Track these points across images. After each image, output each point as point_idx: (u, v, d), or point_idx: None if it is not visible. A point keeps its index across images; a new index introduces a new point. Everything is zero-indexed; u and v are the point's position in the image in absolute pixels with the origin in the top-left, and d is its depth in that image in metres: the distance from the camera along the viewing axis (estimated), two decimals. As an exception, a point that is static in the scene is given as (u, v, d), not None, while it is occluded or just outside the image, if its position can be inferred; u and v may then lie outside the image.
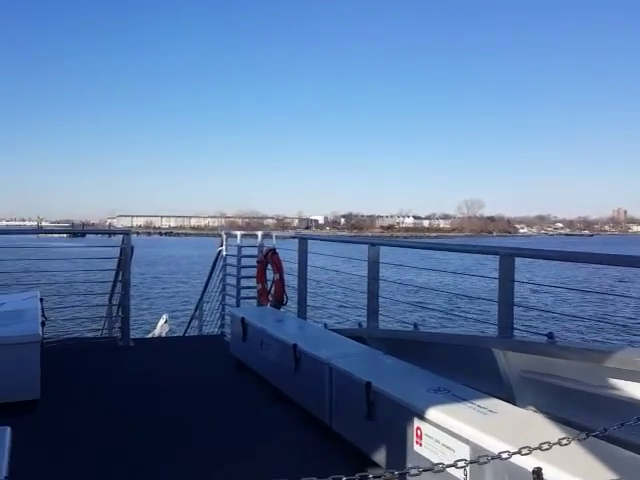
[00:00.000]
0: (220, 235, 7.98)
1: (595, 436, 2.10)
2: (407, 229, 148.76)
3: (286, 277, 6.40)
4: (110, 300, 7.29)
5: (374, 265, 4.64)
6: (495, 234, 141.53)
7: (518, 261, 3.41)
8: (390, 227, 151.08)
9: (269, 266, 6.66)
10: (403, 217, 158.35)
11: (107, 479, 3.04)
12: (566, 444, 1.98)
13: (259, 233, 7.34)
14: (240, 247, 7.32)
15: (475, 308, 12.22)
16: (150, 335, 10.51)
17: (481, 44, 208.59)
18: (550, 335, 2.97)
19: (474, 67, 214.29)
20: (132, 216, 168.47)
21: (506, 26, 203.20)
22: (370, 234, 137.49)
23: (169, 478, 3.11)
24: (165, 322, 10.91)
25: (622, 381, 2.64)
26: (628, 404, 2.58)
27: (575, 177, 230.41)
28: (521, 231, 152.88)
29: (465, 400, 2.82)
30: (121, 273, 6.57)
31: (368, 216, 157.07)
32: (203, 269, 8.39)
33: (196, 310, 8.44)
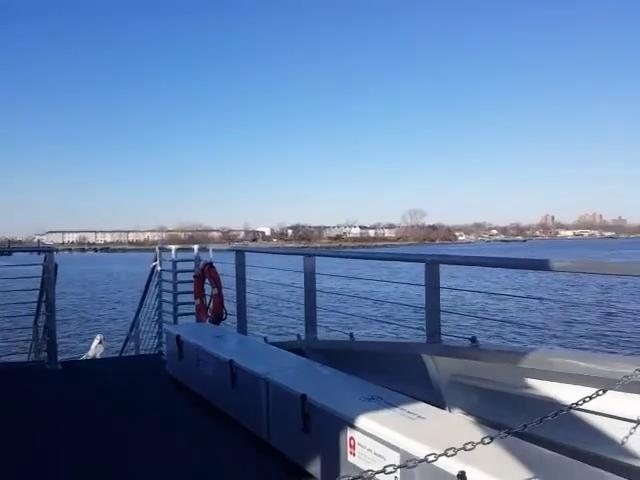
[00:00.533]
0: (154, 250, 7.84)
1: (515, 434, 2.24)
2: (355, 239, 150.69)
3: (225, 291, 6.38)
4: (36, 322, 7.00)
5: (310, 276, 4.71)
6: (438, 242, 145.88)
7: (454, 268, 3.60)
8: (338, 237, 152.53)
9: (207, 280, 6.62)
10: (349, 227, 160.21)
11: None
12: (488, 443, 2.10)
13: (195, 247, 7.26)
14: (175, 262, 7.21)
15: (409, 315, 12.58)
16: (84, 356, 10.14)
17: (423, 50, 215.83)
18: (473, 339, 3.13)
19: (414, 74, 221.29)
20: (63, 232, 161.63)
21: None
22: (319, 245, 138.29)
23: None
24: (99, 343, 10.54)
25: (538, 381, 2.83)
26: (545, 402, 2.77)
27: (507, 185, 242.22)
28: (460, 238, 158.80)
29: (396, 407, 2.92)
30: (45, 293, 6.32)
31: (315, 227, 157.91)
32: (143, 286, 8.19)
33: (132, 329, 8.21)
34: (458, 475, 2.21)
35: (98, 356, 9.94)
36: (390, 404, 2.97)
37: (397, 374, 3.60)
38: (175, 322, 7.17)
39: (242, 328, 5.89)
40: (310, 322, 4.72)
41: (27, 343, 7.57)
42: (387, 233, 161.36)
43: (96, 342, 10.56)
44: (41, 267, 6.36)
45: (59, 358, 6.42)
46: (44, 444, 3.87)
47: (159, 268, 7.61)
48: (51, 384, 5.51)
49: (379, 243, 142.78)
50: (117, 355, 8.58)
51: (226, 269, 6.41)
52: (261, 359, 4.13)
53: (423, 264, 3.56)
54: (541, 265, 3.09)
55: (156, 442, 3.84)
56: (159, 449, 3.73)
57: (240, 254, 5.93)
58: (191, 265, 7.18)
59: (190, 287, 6.95)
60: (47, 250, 6.45)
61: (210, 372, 4.42)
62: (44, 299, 6.37)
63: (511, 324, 14.22)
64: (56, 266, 6.30)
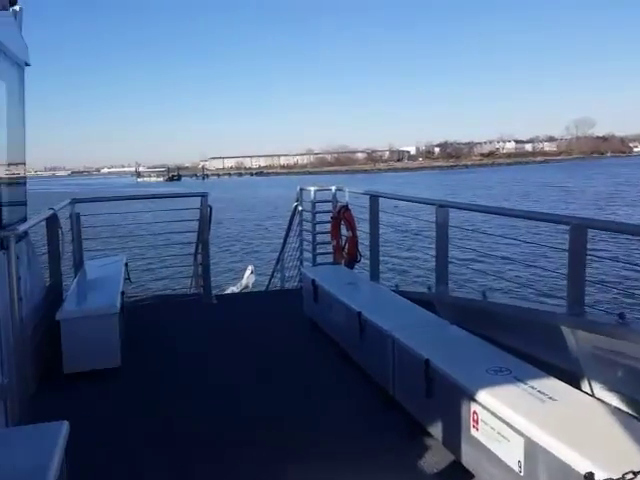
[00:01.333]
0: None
1: None
2: (509, 155, 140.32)
3: (359, 233, 6.45)
4: (195, 258, 7.73)
5: (442, 227, 4.52)
6: (609, 155, 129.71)
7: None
8: (490, 154, 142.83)
9: (343, 223, 6.73)
10: (503, 142, 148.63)
11: (187, 443, 3.31)
12: (620, 437, 1.89)
13: (332, 188, 7.37)
14: (314, 203, 7.43)
15: (548, 279, 11.10)
16: (237, 285, 11.13)
17: None
18: (621, 315, 2.80)
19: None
20: (223, 158, 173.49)
21: None
22: (469, 163, 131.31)
23: (248, 430, 3.43)
24: (251, 273, 11.52)
25: None
26: None
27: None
28: (635, 150, 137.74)
29: (526, 384, 2.75)
30: (201, 233, 6.87)
31: (465, 143, 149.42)
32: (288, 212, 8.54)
33: (277, 263, 8.74)
34: (585, 476, 2.05)
35: (250, 286, 10.89)
36: (519, 379, 2.81)
37: (532, 343, 3.37)
38: (314, 261, 7.52)
39: (374, 273, 5.95)
40: (441, 275, 4.59)
41: (186, 278, 8.52)
42: (547, 147, 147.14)
43: (248, 272, 11.55)
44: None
45: (214, 292, 7.11)
46: (189, 372, 4.41)
47: (300, 208, 7.92)
48: (204, 316, 6.16)
49: (538, 158, 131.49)
50: (264, 289, 9.25)
51: (362, 212, 6.44)
52: (389, 312, 4.16)
53: (567, 227, 3.20)
54: None
55: (289, 384, 4.14)
56: (292, 385, 4.06)
57: (374, 199, 5.88)
58: (329, 206, 7.37)
59: (328, 227, 7.16)
60: (201, 195, 6.82)
61: (341, 320, 4.59)
62: (200, 239, 6.97)
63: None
64: (211, 209, 6.78)
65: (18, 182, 4.50)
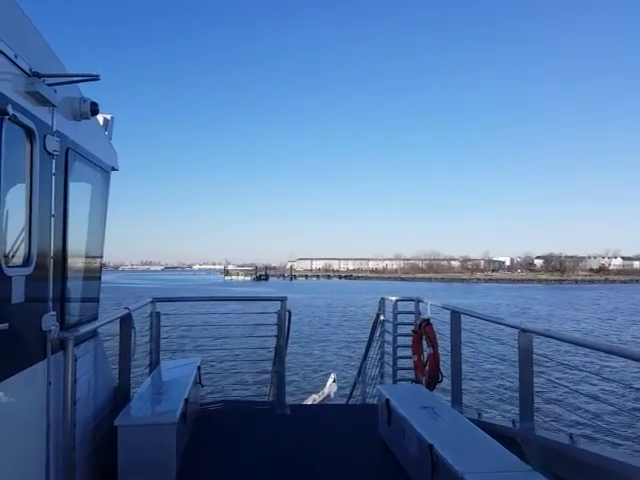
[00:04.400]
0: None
1: None
2: (618, 271, 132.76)
3: (442, 350, 6.27)
4: (274, 364, 7.62)
5: (526, 355, 4.25)
6: None
7: None
8: (601, 269, 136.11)
9: (424, 337, 6.61)
10: (609, 258, 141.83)
11: None
12: None
13: (415, 298, 7.36)
14: (396, 314, 7.38)
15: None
16: (320, 394, 10.97)
17: None
18: None
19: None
20: (312, 259, 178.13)
21: None
22: (579, 278, 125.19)
23: None
24: (333, 381, 11.44)
25: None
26: None
27: None
28: None
29: None
30: (278, 339, 6.76)
31: (569, 257, 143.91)
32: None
33: (359, 375, 8.54)
34: None
35: (332, 395, 10.73)
36: None
37: None
38: (394, 376, 7.35)
39: (456, 398, 5.65)
40: (525, 409, 4.26)
41: (261, 385, 8.45)
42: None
43: (330, 380, 11.50)
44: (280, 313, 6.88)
45: (295, 398, 6.86)
46: None
47: (382, 318, 7.89)
48: (274, 428, 6.01)
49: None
50: (343, 402, 8.99)
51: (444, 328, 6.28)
52: (465, 449, 3.85)
53: None
54: None
55: None
56: None
57: (456, 315, 5.75)
58: (412, 317, 7.32)
59: (410, 340, 7.03)
60: (281, 299, 6.80)
61: (413, 449, 4.33)
62: (277, 345, 6.82)
63: None
64: (289, 313, 6.75)
65: (90, 279, 4.48)
